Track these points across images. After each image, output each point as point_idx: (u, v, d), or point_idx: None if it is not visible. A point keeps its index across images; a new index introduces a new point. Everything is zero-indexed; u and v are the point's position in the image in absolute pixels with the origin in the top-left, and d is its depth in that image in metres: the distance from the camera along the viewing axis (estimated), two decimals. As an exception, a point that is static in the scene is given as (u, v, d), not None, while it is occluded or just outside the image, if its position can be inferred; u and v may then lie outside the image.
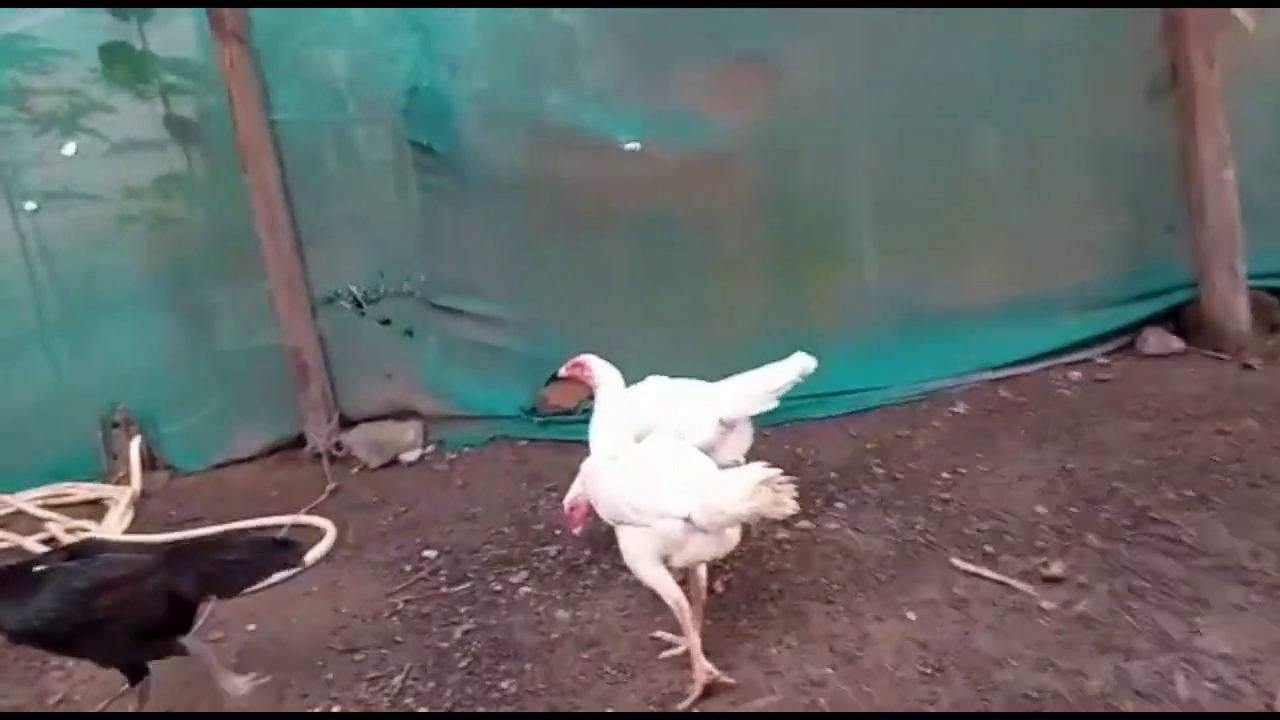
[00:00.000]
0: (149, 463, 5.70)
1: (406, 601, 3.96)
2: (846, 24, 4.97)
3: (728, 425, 3.86)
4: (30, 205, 5.62)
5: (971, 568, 3.54)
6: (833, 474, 4.48)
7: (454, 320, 5.62)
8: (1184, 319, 5.05)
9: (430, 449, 5.51)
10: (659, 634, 3.46)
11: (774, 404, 3.86)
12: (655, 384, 4.00)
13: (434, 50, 5.25)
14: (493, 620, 3.74)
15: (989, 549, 3.65)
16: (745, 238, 5.32)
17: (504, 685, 3.35)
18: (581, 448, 4.97)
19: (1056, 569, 3.40)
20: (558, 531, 4.32)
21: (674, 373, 4.06)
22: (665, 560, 3.11)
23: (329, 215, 5.61)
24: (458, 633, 3.68)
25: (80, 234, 5.75)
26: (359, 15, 5.31)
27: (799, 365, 3.81)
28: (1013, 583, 3.42)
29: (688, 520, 3.00)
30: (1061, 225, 5.13)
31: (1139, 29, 4.84)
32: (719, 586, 3.73)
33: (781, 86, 5.14)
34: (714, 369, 4.01)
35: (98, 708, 3.55)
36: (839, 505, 4.20)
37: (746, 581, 3.75)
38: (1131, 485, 3.87)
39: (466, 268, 5.54)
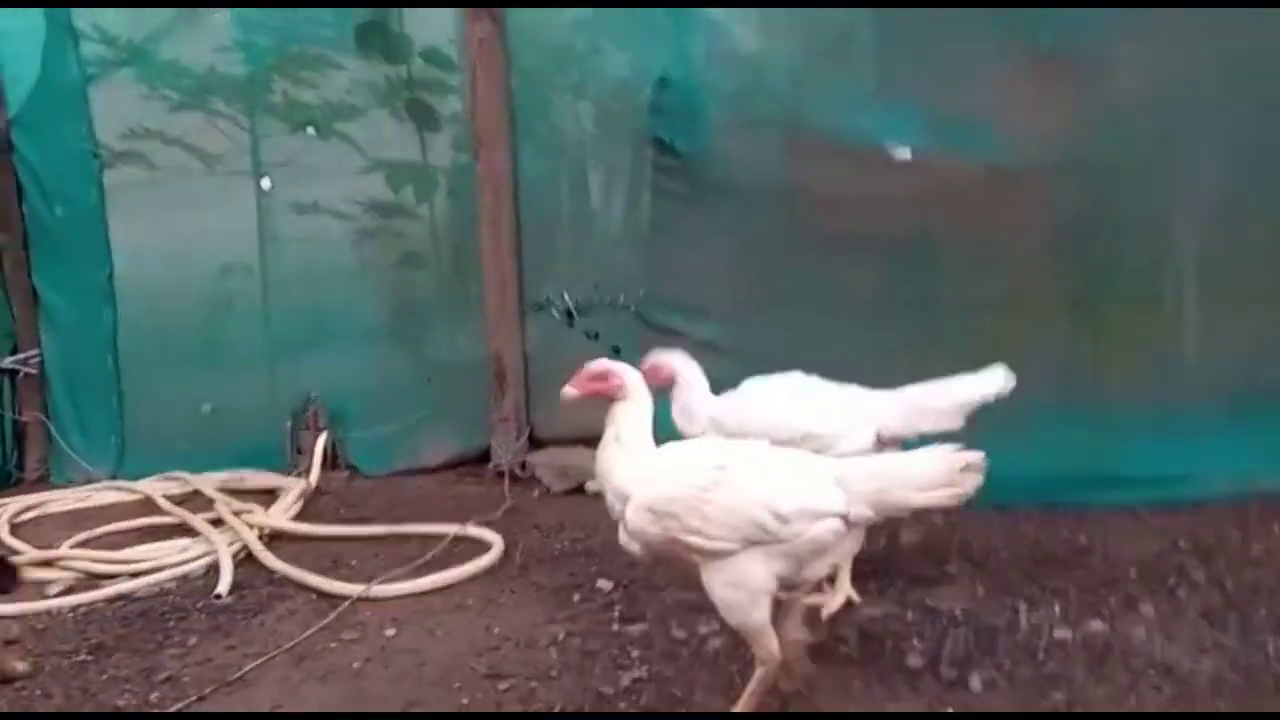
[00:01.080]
0: (331, 461, 5.37)
1: (570, 634, 3.22)
2: (1179, 21, 4.01)
3: (888, 443, 3.18)
4: (266, 183, 5.52)
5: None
6: (1131, 571, 3.40)
7: (669, 342, 4.93)
8: None
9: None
10: None
11: (956, 424, 3.17)
12: (791, 380, 3.38)
13: (689, 41, 4.76)
14: (670, 672, 2.93)
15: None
16: (1031, 273, 4.35)
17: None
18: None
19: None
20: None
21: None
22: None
23: (554, 215, 5.19)
24: (625, 679, 2.89)
25: (309, 231, 5.59)
26: (615, -2, 4.92)
27: (1000, 381, 3.21)
28: None
29: (846, 519, 2.40)
30: None
31: None
32: (976, 685, 2.76)
33: (1093, 93, 4.20)
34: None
35: (204, 692, 3.00)
36: (1144, 609, 3.12)
37: (1015, 685, 2.75)
38: None
39: (692, 286, 4.89)
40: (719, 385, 4.74)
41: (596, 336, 5.06)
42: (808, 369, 4.65)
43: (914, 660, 2.91)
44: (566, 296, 5.11)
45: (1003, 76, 4.29)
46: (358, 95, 5.29)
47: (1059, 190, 4.25)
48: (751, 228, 4.71)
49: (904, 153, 4.40)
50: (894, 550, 3.71)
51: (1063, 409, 4.15)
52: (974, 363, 4.34)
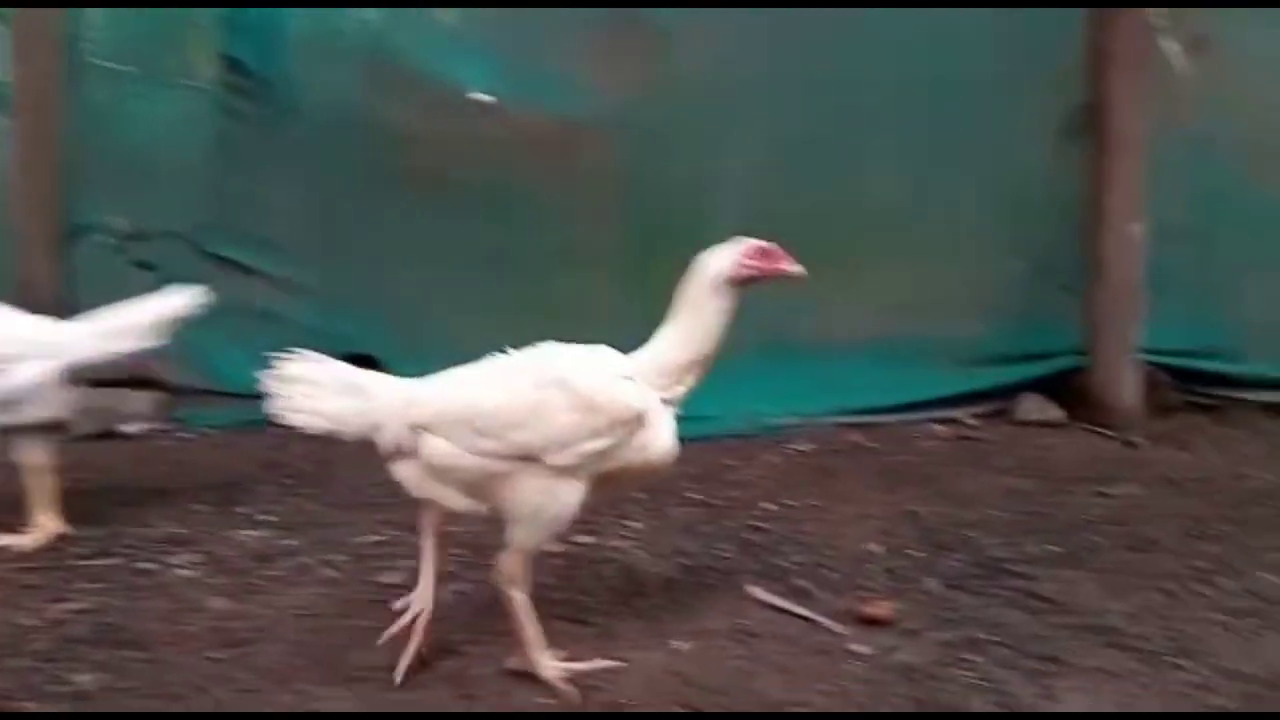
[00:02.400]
0: None
1: (15, 568, 2.88)
2: (750, 12, 4.34)
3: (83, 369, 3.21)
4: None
5: (771, 599, 2.67)
6: (643, 495, 3.61)
7: (233, 277, 4.65)
8: (1068, 387, 4.40)
9: (165, 426, 4.45)
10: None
11: (155, 342, 3.28)
12: None
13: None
14: (119, 602, 2.71)
15: (801, 583, 2.79)
16: (602, 225, 4.52)
17: (80, 679, 2.31)
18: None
19: (879, 610, 2.55)
20: (267, 517, 3.35)
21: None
22: None
23: (108, 131, 4.67)
24: (56, 610, 2.63)
25: None
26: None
27: (189, 298, 3.28)
28: (820, 619, 2.55)
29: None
30: (949, 268, 4.48)
31: (1061, 60, 4.31)
32: (446, 596, 2.78)
33: (669, 62, 4.45)
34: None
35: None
36: (634, 524, 3.32)
37: (484, 593, 2.80)
38: (989, 536, 3.08)
39: (261, 216, 4.61)
40: (291, 326, 4.58)
41: (151, 267, 4.61)
42: (382, 309, 4.61)
43: (392, 577, 2.90)
44: (117, 220, 4.62)
45: (583, 34, 4.42)
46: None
47: (630, 151, 4.45)
48: (328, 159, 4.51)
49: (486, 98, 4.41)
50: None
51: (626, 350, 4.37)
52: (539, 313, 4.55)
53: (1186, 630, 2.47)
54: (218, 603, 2.74)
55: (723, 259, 2.33)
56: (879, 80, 4.33)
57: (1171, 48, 4.09)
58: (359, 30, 4.43)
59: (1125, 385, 4.26)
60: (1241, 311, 4.43)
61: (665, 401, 2.35)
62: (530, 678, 2.30)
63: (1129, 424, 4.17)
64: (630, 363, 2.37)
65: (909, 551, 2.97)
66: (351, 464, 3.91)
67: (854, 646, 2.41)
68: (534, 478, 2.23)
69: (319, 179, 4.55)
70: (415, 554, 3.04)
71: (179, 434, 4.37)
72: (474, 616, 2.65)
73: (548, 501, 2.24)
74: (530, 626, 2.30)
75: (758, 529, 3.20)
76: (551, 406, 2.22)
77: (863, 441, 4.05)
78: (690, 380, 2.38)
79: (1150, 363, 4.32)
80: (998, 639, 2.44)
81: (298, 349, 2.43)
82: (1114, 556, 2.91)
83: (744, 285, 2.34)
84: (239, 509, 3.48)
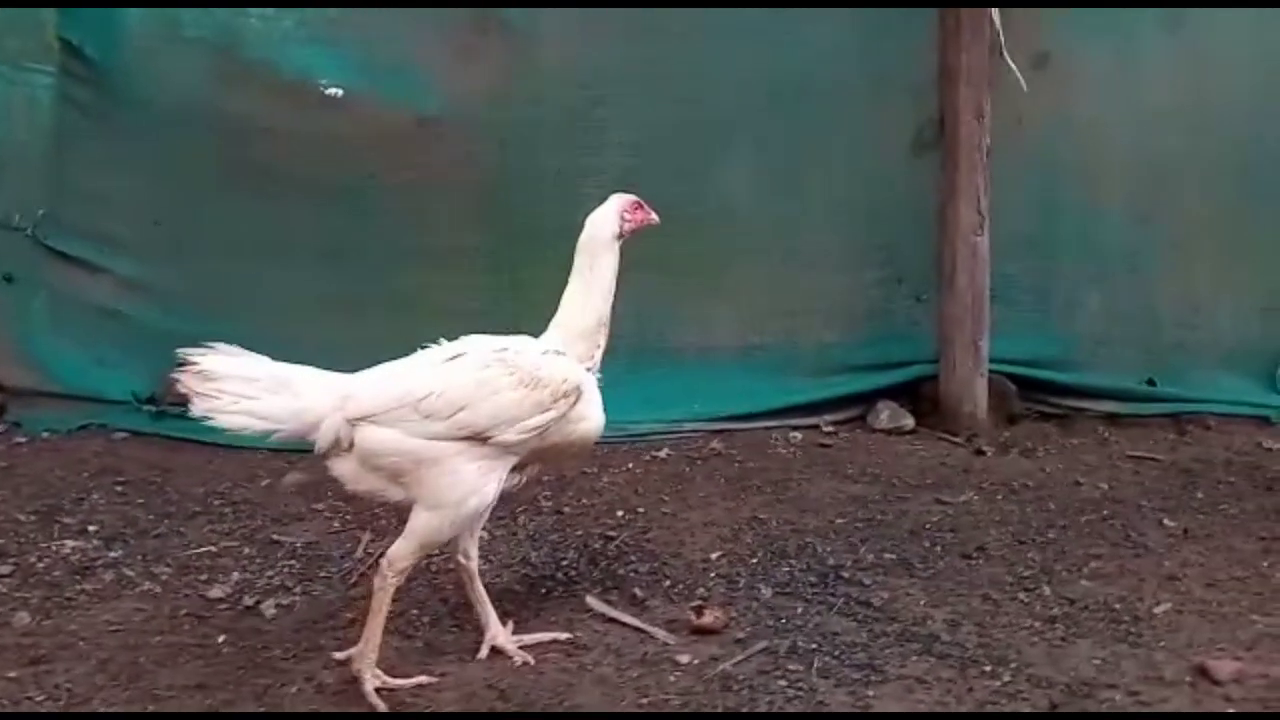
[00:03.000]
0: None
1: None
2: (610, 13, 4.31)
3: None
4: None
5: (606, 610, 2.66)
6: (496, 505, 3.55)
7: (73, 273, 4.42)
8: (922, 395, 4.52)
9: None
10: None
11: None
12: None
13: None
14: None
15: (639, 592, 2.79)
16: (460, 224, 4.40)
17: None
18: (198, 449, 4.02)
19: (709, 619, 2.56)
20: (92, 528, 3.19)
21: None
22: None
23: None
24: None
25: None
26: None
27: None
28: (652, 630, 2.55)
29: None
30: (806, 277, 4.53)
31: (915, 74, 4.42)
32: (270, 610, 2.70)
33: (527, 61, 4.38)
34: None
35: None
36: (481, 534, 3.24)
37: (315, 607, 2.73)
38: (828, 543, 3.13)
39: (104, 211, 4.39)
40: (134, 326, 4.37)
41: (-11, 262, 4.36)
42: (231, 311, 4.43)
43: (217, 591, 2.78)
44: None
45: (439, 30, 4.33)
46: None
47: (487, 149, 4.34)
48: (173, 152, 4.29)
49: (335, 89, 4.29)
50: (271, 491, 3.61)
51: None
52: (394, 310, 4.44)
53: (1002, 638, 2.54)
54: (21, 618, 2.60)
55: (609, 218, 2.49)
56: (739, 86, 4.35)
57: (1014, 64, 4.22)
58: (202, 18, 4.25)
59: (974, 394, 4.39)
60: (1083, 323, 4.61)
61: (589, 370, 2.46)
62: (350, 692, 2.24)
63: (978, 432, 4.29)
64: (549, 341, 2.47)
65: (749, 559, 3.00)
66: (190, 471, 3.76)
67: (680, 657, 2.42)
68: (471, 460, 2.26)
69: (164, 173, 4.33)
70: (244, 565, 2.97)
71: (14, 439, 4.13)
72: (297, 631, 2.57)
73: (477, 484, 2.27)
74: (378, 628, 2.27)
75: (606, 538, 3.19)
76: (496, 384, 2.28)
77: (721, 449, 4.07)
78: (601, 342, 2.49)
79: (998, 372, 4.47)
80: (822, 647, 2.47)
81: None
82: (945, 564, 2.99)
83: (624, 238, 2.51)
84: (64, 518, 3.32)
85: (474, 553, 2.48)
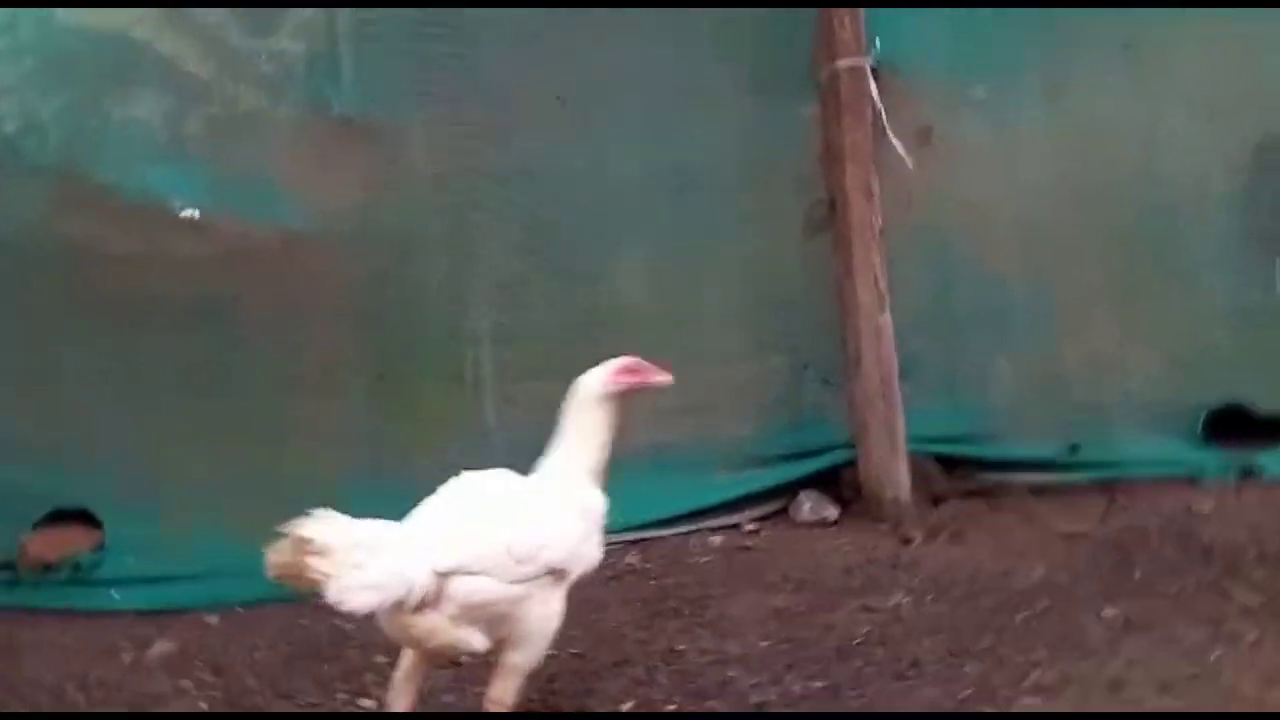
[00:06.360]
0: None
1: None
2: (475, 103, 4.14)
3: None
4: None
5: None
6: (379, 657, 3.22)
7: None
8: (843, 482, 4.33)
9: None
10: None
11: None
12: None
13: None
14: None
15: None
16: (334, 345, 4.12)
17: None
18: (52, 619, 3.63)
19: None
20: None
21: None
22: None
23: None
24: None
25: None
26: None
27: None
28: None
29: None
30: (713, 370, 4.34)
31: (796, 153, 4.32)
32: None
33: (396, 164, 4.16)
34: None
35: None
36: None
37: None
38: (751, 674, 2.86)
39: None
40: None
41: None
42: (88, 453, 4.04)
43: None
44: None
45: (297, 140, 4.09)
46: None
47: (357, 263, 4.10)
48: (13, 288, 3.95)
49: (191, 212, 3.99)
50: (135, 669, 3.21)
51: (372, 487, 3.96)
52: (272, 441, 4.11)
53: (942, 778, 2.31)
54: None
55: (595, 380, 2.56)
56: (621, 182, 4.22)
57: (897, 140, 4.15)
58: (41, 145, 3.93)
59: (895, 478, 4.22)
60: (997, 394, 4.49)
61: None
62: None
63: (903, 518, 4.11)
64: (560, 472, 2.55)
65: (664, 705, 2.71)
66: (41, 649, 3.34)
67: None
68: (550, 593, 2.38)
69: (8, 308, 3.98)
70: None
71: None
72: None
73: (554, 614, 2.40)
74: None
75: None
76: (564, 519, 2.42)
77: (637, 564, 3.81)
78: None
79: (916, 452, 4.31)
80: (745, 818, 2.20)
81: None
82: (877, 687, 2.75)
83: (620, 399, 2.56)
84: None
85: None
